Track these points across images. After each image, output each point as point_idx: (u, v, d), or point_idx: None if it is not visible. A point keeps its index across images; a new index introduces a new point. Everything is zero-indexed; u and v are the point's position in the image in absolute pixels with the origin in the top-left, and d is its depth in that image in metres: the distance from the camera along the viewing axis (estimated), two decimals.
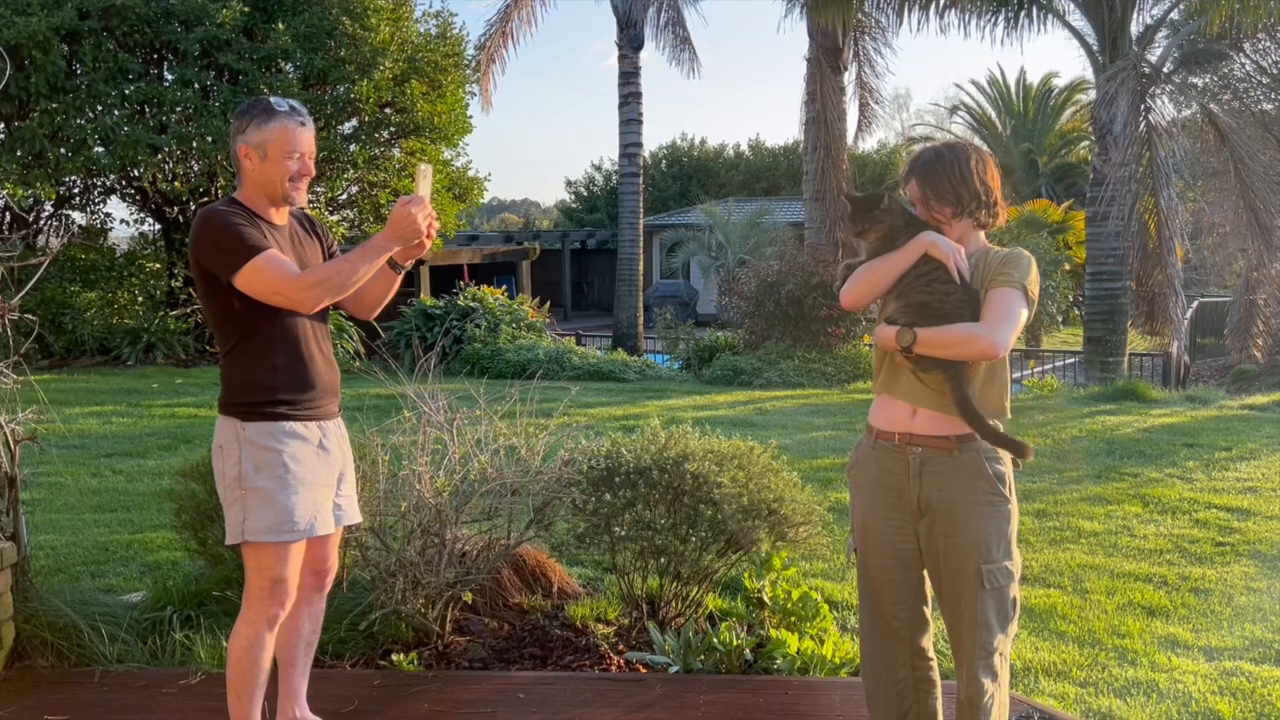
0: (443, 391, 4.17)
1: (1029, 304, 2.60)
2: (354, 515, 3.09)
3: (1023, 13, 14.13)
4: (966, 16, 14.29)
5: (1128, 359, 14.81)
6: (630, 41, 23.12)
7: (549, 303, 17.93)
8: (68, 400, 10.20)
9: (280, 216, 2.90)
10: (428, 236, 2.78)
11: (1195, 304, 20.26)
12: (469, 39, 17.20)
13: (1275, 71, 19.04)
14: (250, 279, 2.71)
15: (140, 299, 15.68)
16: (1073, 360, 17.08)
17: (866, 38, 19.02)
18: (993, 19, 14.25)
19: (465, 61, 16.93)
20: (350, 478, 3.08)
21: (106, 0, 13.54)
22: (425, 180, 2.81)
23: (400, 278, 2.98)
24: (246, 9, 14.17)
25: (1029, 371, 16.12)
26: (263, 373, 2.81)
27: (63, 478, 6.81)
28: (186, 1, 13.95)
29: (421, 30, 16.11)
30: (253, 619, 2.85)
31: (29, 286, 3.93)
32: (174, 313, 15.03)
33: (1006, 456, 2.67)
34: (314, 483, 2.86)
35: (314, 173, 2.90)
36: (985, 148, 2.81)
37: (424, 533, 3.89)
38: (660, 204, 38.54)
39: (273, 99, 2.82)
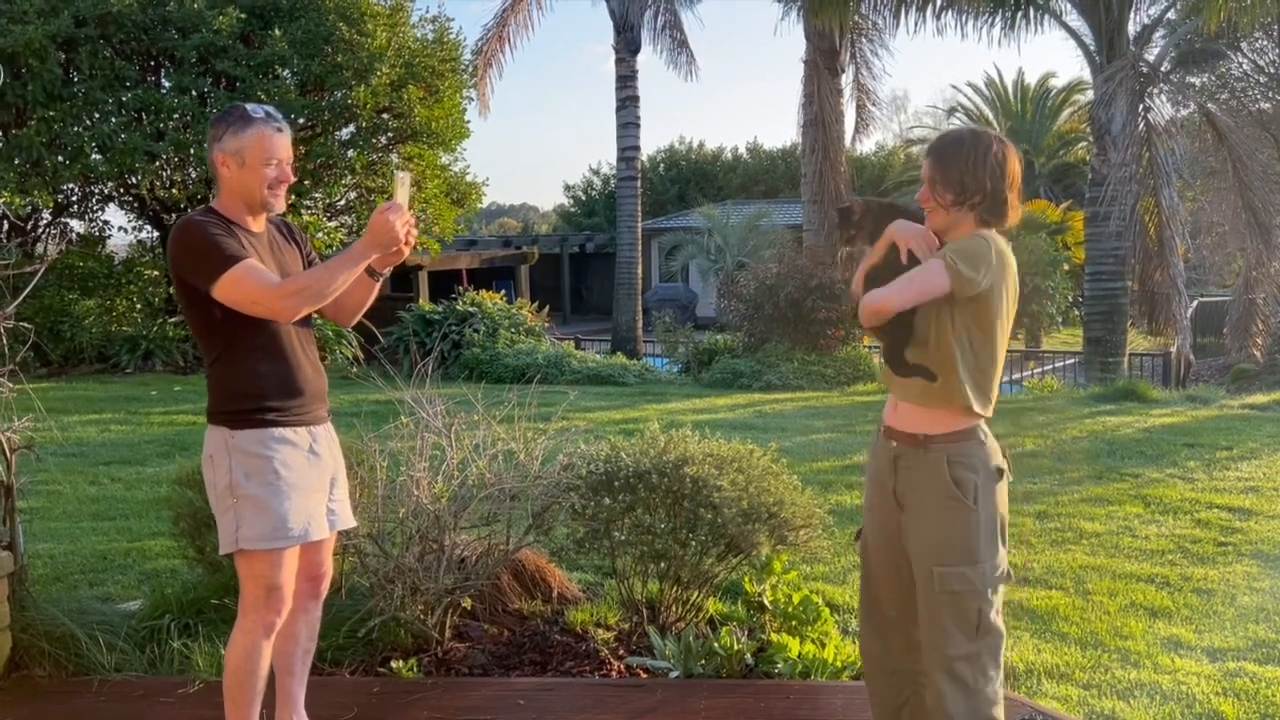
0: (440, 397, 4.15)
1: (951, 274, 2.53)
2: (348, 520, 3.08)
3: (1019, 13, 14.12)
4: (964, 17, 14.28)
5: (1128, 359, 14.80)
6: (627, 45, 23.13)
7: (548, 307, 17.90)
8: (66, 408, 10.18)
9: (258, 224, 2.88)
10: (406, 243, 2.77)
11: (1195, 303, 20.25)
12: (466, 44, 17.23)
13: (1273, 70, 19.05)
14: (229, 289, 2.69)
15: (138, 306, 15.66)
16: (1072, 361, 17.07)
17: (864, 40, 19.05)
18: (990, 19, 14.25)
19: (462, 66, 16.94)
20: (343, 482, 3.06)
21: (103, 8, 13.53)
22: (404, 187, 2.80)
23: (379, 285, 2.97)
24: (243, 16, 14.17)
25: (1029, 372, 16.10)
26: (249, 380, 2.79)
27: (61, 486, 6.79)
28: (183, 8, 13.95)
29: (418, 35, 16.12)
30: (249, 627, 2.83)
31: (24, 295, 3.92)
32: (172, 320, 15.01)
33: (982, 461, 2.63)
34: (306, 488, 2.84)
35: (292, 179, 2.88)
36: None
37: (422, 539, 3.87)
38: (659, 207, 38.53)
39: (248, 105, 2.80)
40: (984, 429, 2.68)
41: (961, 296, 2.55)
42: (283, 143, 2.81)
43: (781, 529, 3.96)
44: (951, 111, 37.86)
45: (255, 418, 2.78)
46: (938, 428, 2.63)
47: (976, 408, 2.63)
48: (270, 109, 2.82)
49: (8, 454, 3.72)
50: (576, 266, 36.46)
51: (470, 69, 18.87)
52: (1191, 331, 15.69)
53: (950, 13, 14.20)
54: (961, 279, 2.53)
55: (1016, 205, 2.69)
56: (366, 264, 2.81)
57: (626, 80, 23.18)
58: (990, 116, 36.05)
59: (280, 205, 2.86)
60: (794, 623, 4.06)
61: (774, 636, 3.92)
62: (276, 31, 14.15)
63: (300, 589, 2.96)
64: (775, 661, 3.78)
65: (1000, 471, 2.66)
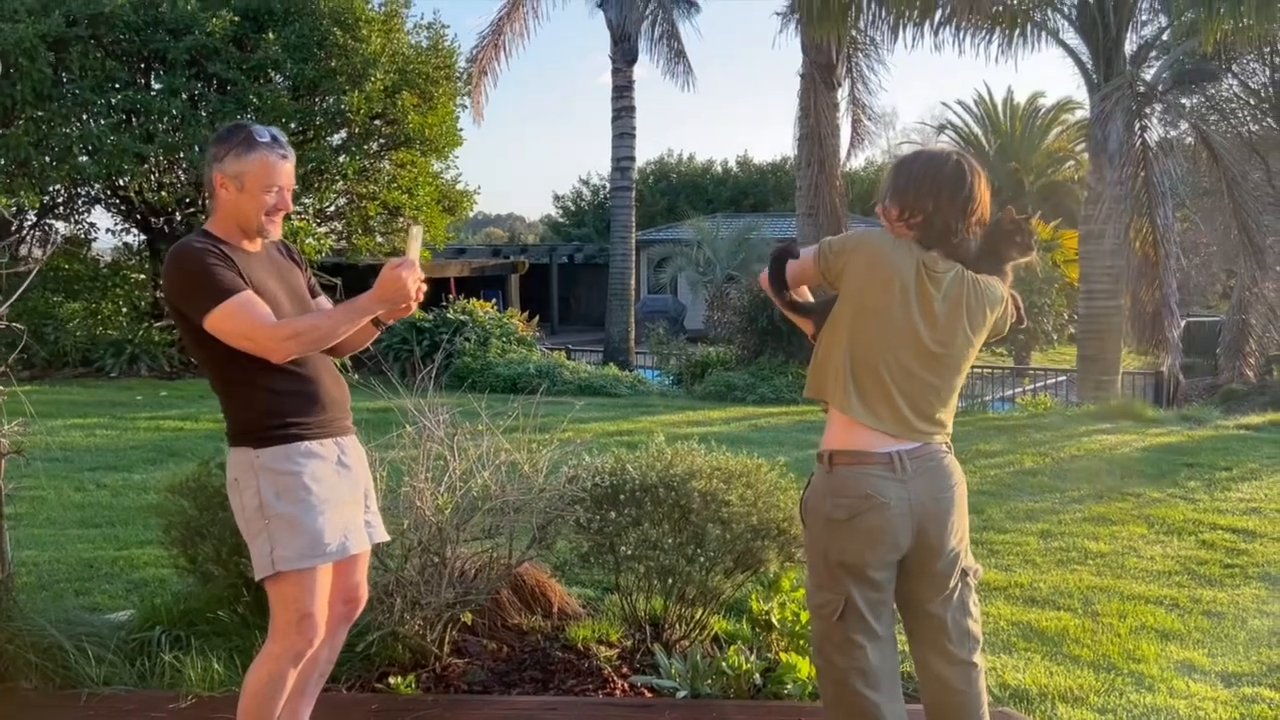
0: (444, 406, 4.05)
1: (818, 249, 2.62)
2: (383, 533, 2.99)
3: (1017, 31, 14.11)
4: (961, 34, 14.25)
5: (1120, 377, 14.78)
6: (624, 55, 23.12)
7: (537, 317, 17.81)
8: (50, 412, 9.99)
9: (254, 244, 2.78)
10: (415, 299, 2.67)
11: (1183, 323, 20.30)
12: (461, 51, 17.13)
13: (1264, 93, 19.14)
14: (220, 323, 2.59)
15: (124, 310, 15.49)
16: (1063, 378, 17.05)
17: (860, 55, 19.03)
18: (987, 37, 14.23)
19: (457, 74, 16.84)
20: (374, 494, 2.97)
21: (95, 8, 13.39)
22: (415, 242, 2.70)
23: (381, 330, 2.88)
24: (236, 19, 14.04)
25: (1021, 389, 16.07)
26: (268, 399, 2.68)
27: (45, 491, 6.64)
28: (176, 10, 13.81)
29: (413, 42, 16.02)
30: (277, 654, 2.71)
31: (15, 296, 3.81)
32: (158, 324, 14.83)
33: (823, 492, 2.63)
34: (339, 501, 2.74)
35: (291, 207, 2.78)
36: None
37: (424, 551, 3.77)
38: (648, 219, 38.42)
39: (254, 128, 2.69)
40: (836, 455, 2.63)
41: (829, 277, 2.60)
42: (286, 170, 2.71)
43: (790, 545, 3.88)
44: (941, 129, 37.92)
45: (279, 434, 2.67)
46: (830, 445, 2.67)
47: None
48: (277, 133, 2.71)
49: None
50: (564, 277, 36.36)
51: (465, 76, 18.77)
52: (1181, 351, 15.69)
53: (948, 29, 14.17)
54: (823, 257, 2.59)
55: (936, 229, 2.53)
56: (372, 316, 2.73)
57: (623, 90, 23.16)
58: (980, 134, 36.13)
59: (276, 233, 2.77)
60: (802, 641, 3.96)
61: (782, 656, 3.83)
62: (270, 35, 14.03)
63: (335, 613, 2.85)
64: (784, 682, 3.69)
65: (826, 504, 2.62)
